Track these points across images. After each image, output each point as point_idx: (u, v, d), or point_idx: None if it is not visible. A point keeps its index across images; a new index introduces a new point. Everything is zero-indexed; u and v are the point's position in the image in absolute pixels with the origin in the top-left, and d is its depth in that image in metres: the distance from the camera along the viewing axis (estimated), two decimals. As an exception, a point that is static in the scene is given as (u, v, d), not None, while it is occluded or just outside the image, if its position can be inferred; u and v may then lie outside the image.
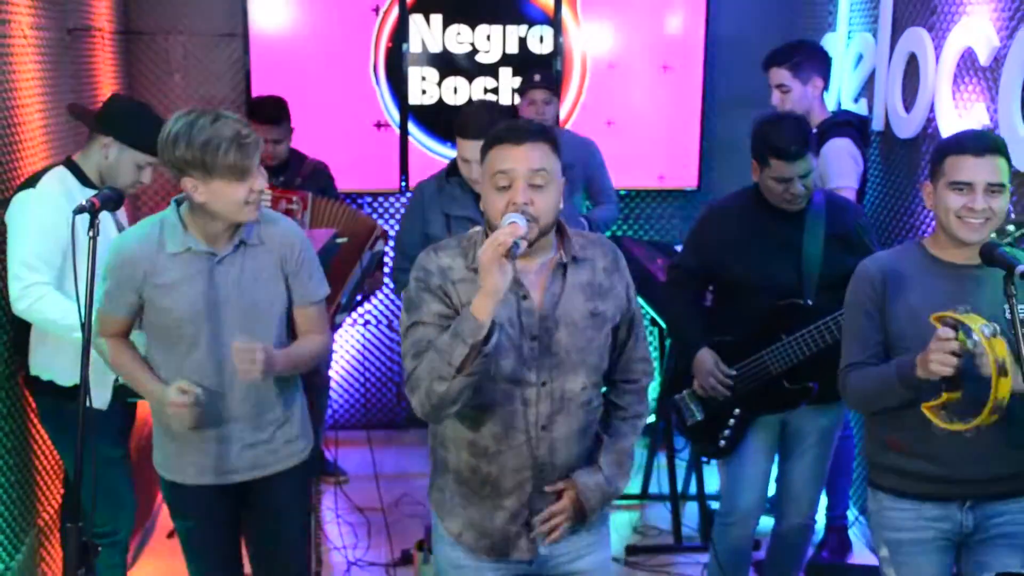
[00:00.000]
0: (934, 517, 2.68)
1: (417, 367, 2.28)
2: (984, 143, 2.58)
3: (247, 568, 3.10)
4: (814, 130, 4.01)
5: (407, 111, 5.24)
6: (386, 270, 4.88)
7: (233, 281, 2.76)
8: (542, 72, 4.64)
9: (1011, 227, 2.85)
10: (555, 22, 5.19)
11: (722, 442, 3.50)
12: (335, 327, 4.51)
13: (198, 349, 2.76)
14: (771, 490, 3.80)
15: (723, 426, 3.49)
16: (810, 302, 3.31)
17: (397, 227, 5.34)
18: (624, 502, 4.66)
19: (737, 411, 3.46)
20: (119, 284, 2.75)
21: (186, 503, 2.91)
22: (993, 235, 2.74)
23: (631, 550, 4.32)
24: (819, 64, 4.13)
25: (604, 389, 2.55)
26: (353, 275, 4.13)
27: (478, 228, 2.45)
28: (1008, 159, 2.57)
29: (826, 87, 4.18)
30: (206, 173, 2.63)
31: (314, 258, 2.92)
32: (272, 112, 4.55)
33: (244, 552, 3.07)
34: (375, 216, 5.36)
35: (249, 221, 2.74)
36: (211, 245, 2.75)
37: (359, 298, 4.76)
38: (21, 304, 3.11)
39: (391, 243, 4.23)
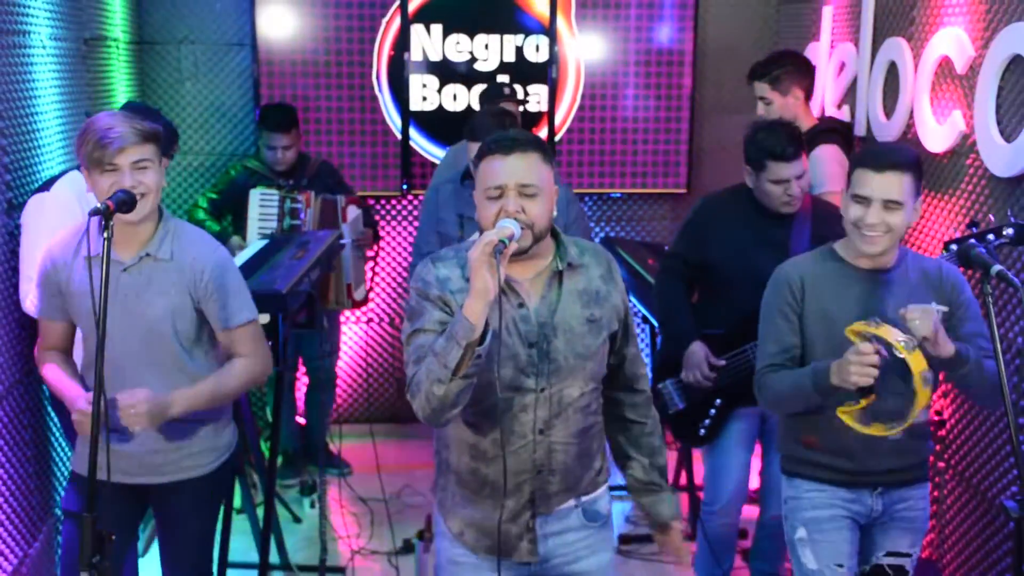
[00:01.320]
0: (847, 499, 2.73)
1: (417, 372, 2.24)
2: (887, 160, 2.57)
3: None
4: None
5: (408, 117, 5.24)
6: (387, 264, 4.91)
7: (135, 292, 2.65)
8: (510, 87, 4.65)
9: (971, 239, 2.88)
10: (551, 32, 5.19)
11: (702, 431, 3.52)
12: (359, 303, 4.61)
13: (100, 358, 2.59)
14: (756, 482, 3.82)
15: (704, 416, 3.50)
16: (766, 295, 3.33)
17: (400, 227, 5.42)
18: (617, 493, 4.66)
19: (718, 402, 3.47)
20: (45, 286, 2.70)
21: (78, 495, 2.79)
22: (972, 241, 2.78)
23: (624, 539, 4.32)
24: (799, 75, 4.09)
25: (617, 394, 2.55)
26: (345, 258, 4.23)
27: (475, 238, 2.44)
28: (916, 176, 2.56)
29: (808, 96, 4.15)
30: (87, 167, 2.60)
31: (232, 283, 2.75)
32: (281, 119, 4.58)
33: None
34: (377, 217, 5.35)
35: (130, 220, 2.56)
36: (119, 253, 2.63)
37: (369, 268, 4.80)
38: (29, 303, 3.12)
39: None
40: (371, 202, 5.29)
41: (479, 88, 5.18)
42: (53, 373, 2.77)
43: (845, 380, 2.45)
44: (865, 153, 2.70)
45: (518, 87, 4.96)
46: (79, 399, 2.61)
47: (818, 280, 2.68)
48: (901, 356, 2.37)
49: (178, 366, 2.72)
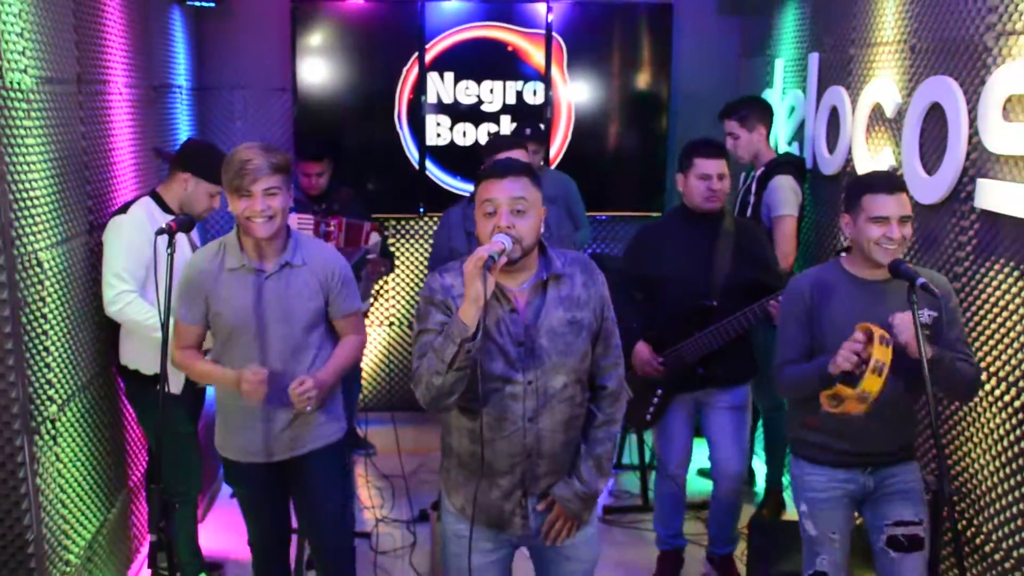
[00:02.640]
0: (843, 479, 2.73)
1: (420, 365, 2.26)
2: (895, 182, 2.62)
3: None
4: (762, 168, 4.14)
5: (425, 151, 5.24)
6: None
7: (278, 295, 2.74)
8: (531, 126, 4.66)
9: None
10: (546, 79, 5.20)
11: (648, 416, 3.56)
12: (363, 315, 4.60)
13: (250, 350, 2.73)
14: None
15: (648, 403, 3.53)
16: (715, 303, 3.35)
17: (417, 244, 5.47)
18: None
19: (659, 391, 3.51)
20: (190, 295, 2.76)
21: (238, 475, 2.91)
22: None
23: (607, 510, 4.35)
24: (762, 115, 4.15)
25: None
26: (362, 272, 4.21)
27: None
28: (909, 194, 2.62)
29: (768, 133, 4.19)
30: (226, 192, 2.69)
31: (351, 278, 2.88)
32: (315, 150, 4.55)
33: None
34: (398, 235, 5.36)
35: (260, 236, 2.67)
36: (262, 263, 2.75)
37: (376, 287, 4.75)
38: (112, 308, 3.15)
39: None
40: (390, 222, 5.29)
41: (485, 126, 5.19)
42: (200, 363, 2.83)
43: (835, 365, 2.47)
44: (872, 179, 2.67)
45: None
46: (243, 371, 2.66)
47: (826, 289, 2.70)
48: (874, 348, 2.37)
49: (314, 351, 2.81)
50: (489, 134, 5.21)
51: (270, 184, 2.64)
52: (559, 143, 5.35)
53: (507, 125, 5.23)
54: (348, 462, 3.08)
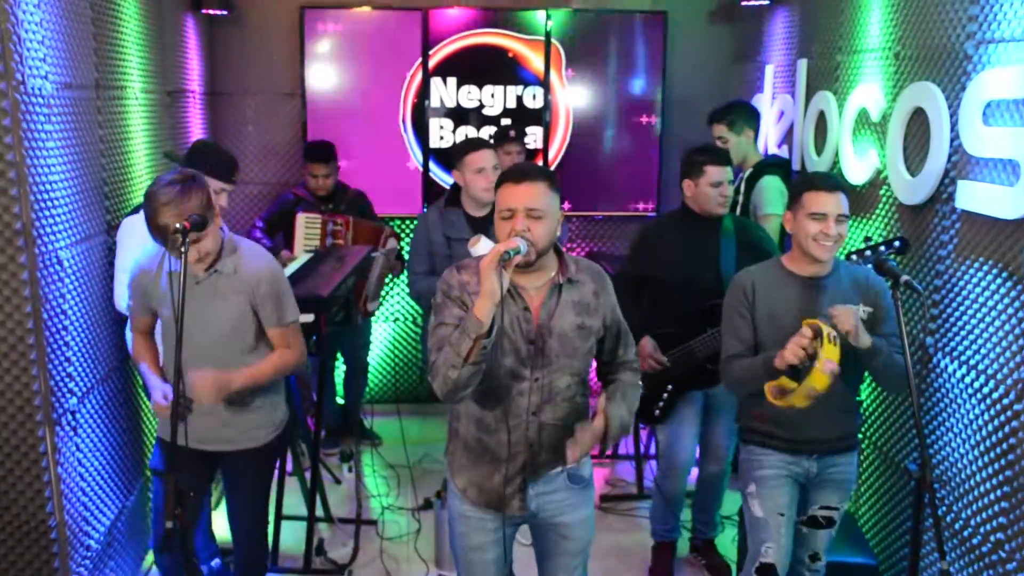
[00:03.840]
0: (789, 462, 2.77)
1: (437, 359, 2.25)
2: (833, 182, 2.63)
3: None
4: (750, 170, 4.15)
5: (428, 153, 5.26)
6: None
7: (202, 301, 2.70)
8: (516, 128, 4.67)
9: (868, 252, 2.94)
10: (545, 83, 5.22)
11: (656, 412, 3.53)
12: (369, 313, 4.52)
13: (179, 349, 2.65)
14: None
15: (657, 399, 3.51)
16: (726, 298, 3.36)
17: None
18: (598, 460, 4.69)
19: (670, 387, 3.49)
20: (134, 289, 2.79)
21: (169, 458, 2.78)
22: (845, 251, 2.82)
23: (604, 498, 4.35)
24: (750, 119, 4.15)
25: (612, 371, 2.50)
26: (371, 274, 4.18)
27: (485, 250, 2.40)
28: (848, 195, 2.63)
29: (756, 136, 4.19)
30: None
31: (282, 290, 2.79)
32: (322, 153, 4.57)
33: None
34: (401, 232, 5.36)
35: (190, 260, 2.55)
36: (192, 270, 2.68)
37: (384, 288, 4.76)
38: (122, 303, 3.13)
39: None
40: (395, 221, 5.29)
41: (486, 129, 5.19)
42: (142, 361, 2.84)
43: (781, 359, 2.48)
44: (813, 178, 2.70)
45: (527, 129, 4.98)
46: (156, 391, 2.70)
47: (766, 285, 2.72)
48: (821, 344, 2.37)
49: (242, 360, 2.76)
50: (490, 136, 5.21)
51: (195, 237, 2.53)
52: (558, 145, 5.36)
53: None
54: (274, 467, 3.06)
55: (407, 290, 5.47)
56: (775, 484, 2.77)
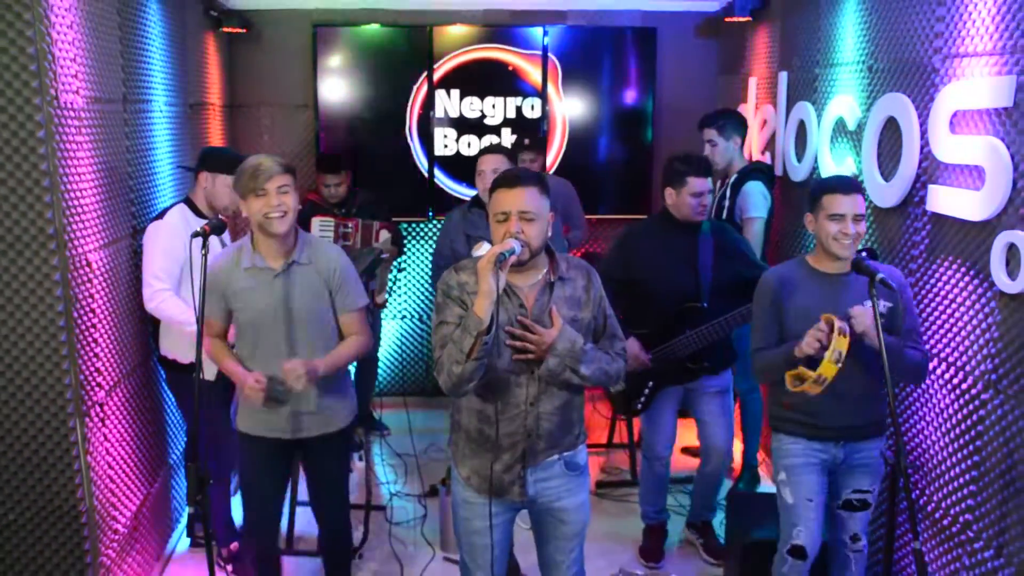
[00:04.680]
0: (817, 449, 2.78)
1: (442, 355, 2.27)
2: (851, 184, 2.66)
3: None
4: (735, 175, 4.16)
5: (433, 160, 5.26)
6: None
7: (286, 291, 2.70)
8: (531, 137, 4.69)
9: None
10: (543, 95, 5.22)
11: (638, 406, 3.55)
12: (380, 305, 4.54)
13: (264, 342, 2.72)
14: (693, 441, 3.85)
15: (639, 394, 3.53)
16: (706, 305, 3.34)
17: (427, 244, 5.48)
18: (593, 449, 4.70)
19: (650, 383, 3.50)
20: (210, 292, 2.72)
21: (254, 450, 2.84)
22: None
23: (599, 485, 4.37)
24: (738, 126, 4.16)
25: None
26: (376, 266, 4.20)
27: (483, 251, 2.45)
28: (865, 195, 2.66)
29: (743, 143, 4.22)
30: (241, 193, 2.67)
31: (352, 276, 2.81)
32: (332, 163, 4.57)
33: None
34: (409, 237, 5.38)
35: (278, 232, 2.63)
36: (271, 263, 2.71)
37: (391, 277, 4.73)
38: (150, 305, 3.16)
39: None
40: (403, 224, 5.29)
41: (487, 138, 5.20)
42: (223, 359, 2.79)
43: (800, 349, 2.51)
44: (832, 181, 2.71)
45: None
46: (248, 377, 2.68)
47: (792, 282, 2.74)
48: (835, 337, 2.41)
49: (323, 344, 2.76)
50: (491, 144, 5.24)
51: (282, 182, 2.63)
52: (555, 152, 5.37)
53: (508, 137, 5.25)
54: (353, 445, 3.01)
55: (413, 288, 5.58)
56: (804, 471, 2.78)
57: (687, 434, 4.11)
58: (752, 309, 2.85)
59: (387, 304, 4.93)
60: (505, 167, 3.52)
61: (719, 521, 3.88)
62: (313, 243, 2.79)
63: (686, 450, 4.70)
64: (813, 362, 2.50)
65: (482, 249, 2.56)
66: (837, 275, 2.71)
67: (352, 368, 5.09)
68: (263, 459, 2.85)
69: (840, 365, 2.42)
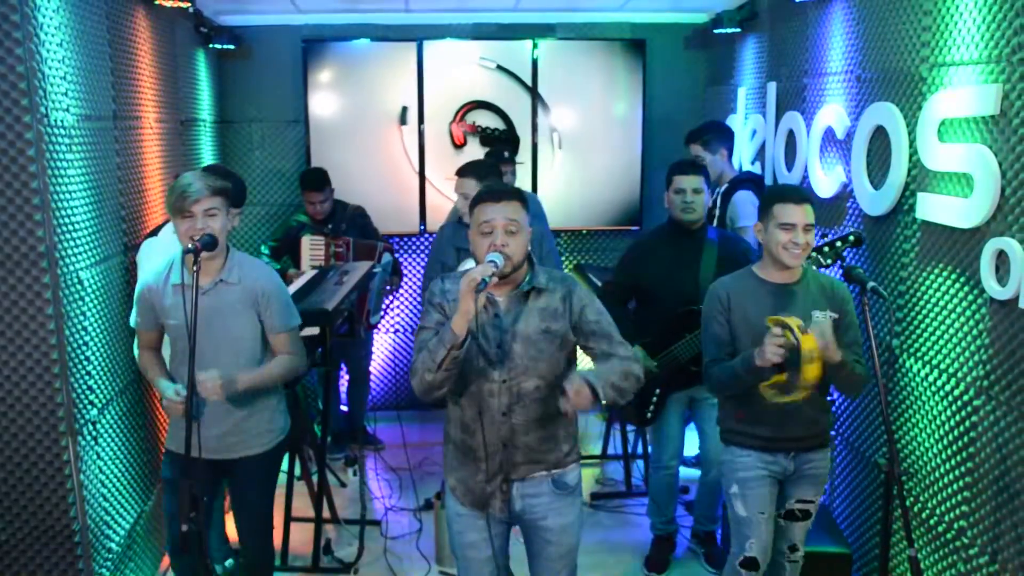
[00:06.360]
0: (767, 461, 2.78)
1: (416, 360, 2.31)
2: (801, 194, 2.67)
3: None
4: (725, 185, 4.19)
5: (424, 174, 5.27)
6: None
7: (210, 310, 2.65)
8: (507, 150, 4.68)
9: (826, 248, 2.98)
10: (533, 107, 5.24)
11: (648, 415, 3.56)
12: (372, 326, 4.53)
13: (187, 357, 2.57)
14: (695, 450, 3.87)
15: (648, 403, 3.54)
16: (702, 307, 3.37)
17: (418, 257, 5.49)
18: (588, 460, 4.68)
19: (657, 391, 3.52)
20: (141, 306, 2.74)
21: (177, 466, 2.75)
22: (814, 254, 2.88)
23: (594, 496, 4.35)
24: (724, 138, 4.18)
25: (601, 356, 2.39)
26: (371, 289, 4.17)
27: (469, 265, 2.46)
28: (813, 206, 2.67)
29: (731, 154, 4.23)
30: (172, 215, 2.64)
31: (282, 297, 2.78)
32: (315, 180, 4.57)
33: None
34: (400, 250, 5.39)
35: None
36: (200, 281, 2.61)
37: (386, 301, 4.77)
38: (134, 321, 3.13)
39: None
40: (394, 238, 5.31)
41: (469, 154, 5.18)
42: (151, 371, 2.79)
43: (763, 359, 2.51)
44: (783, 190, 2.74)
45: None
46: (168, 388, 2.66)
47: (740, 293, 2.75)
48: (797, 337, 2.41)
49: (246, 362, 2.73)
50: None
51: (209, 205, 2.58)
52: (546, 164, 5.36)
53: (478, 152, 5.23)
54: (277, 472, 2.97)
55: (405, 303, 5.57)
56: (756, 484, 2.78)
57: (689, 445, 4.10)
58: (704, 320, 2.84)
59: (377, 325, 4.91)
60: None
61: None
62: (244, 264, 2.75)
63: (684, 462, 4.68)
64: (781, 368, 2.52)
65: (467, 263, 2.59)
66: (785, 285, 2.72)
67: (344, 383, 5.12)
68: (182, 476, 2.77)
69: (819, 362, 2.43)
